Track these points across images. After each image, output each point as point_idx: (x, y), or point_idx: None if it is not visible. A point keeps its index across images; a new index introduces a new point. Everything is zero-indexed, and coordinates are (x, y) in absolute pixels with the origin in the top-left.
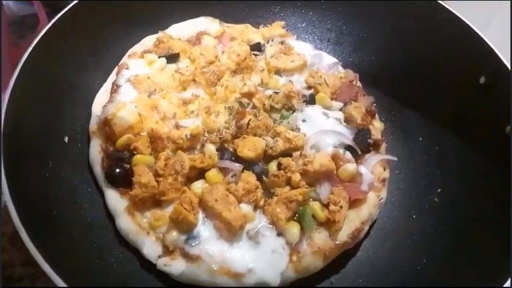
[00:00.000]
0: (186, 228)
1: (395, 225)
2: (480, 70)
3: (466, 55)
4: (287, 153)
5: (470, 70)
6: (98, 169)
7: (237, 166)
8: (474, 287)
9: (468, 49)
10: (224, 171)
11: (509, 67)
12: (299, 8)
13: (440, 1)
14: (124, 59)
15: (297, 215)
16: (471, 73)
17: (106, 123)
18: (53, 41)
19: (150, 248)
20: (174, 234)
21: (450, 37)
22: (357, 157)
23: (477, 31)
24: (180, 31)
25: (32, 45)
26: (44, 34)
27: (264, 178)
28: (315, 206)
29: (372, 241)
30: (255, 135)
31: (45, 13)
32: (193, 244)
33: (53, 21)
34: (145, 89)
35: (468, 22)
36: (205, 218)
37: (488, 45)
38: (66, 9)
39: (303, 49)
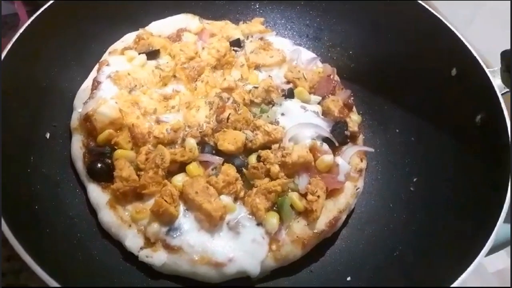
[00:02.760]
0: (167, 220)
1: (372, 214)
2: (451, 62)
3: (439, 49)
4: (266, 146)
5: (443, 63)
6: (80, 164)
7: (217, 159)
8: (445, 273)
9: (441, 42)
10: (204, 164)
11: (479, 59)
12: (278, 4)
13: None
14: (105, 56)
15: (276, 206)
16: (443, 65)
17: (87, 119)
18: (33, 38)
19: (132, 240)
20: (155, 226)
21: (424, 31)
22: (335, 149)
23: (449, 25)
24: (161, 28)
25: (11, 42)
26: (24, 31)
27: (244, 170)
28: (294, 196)
29: (350, 230)
30: (235, 128)
31: (25, 12)
32: (175, 235)
33: (32, 18)
34: (125, 85)
35: (440, 17)
36: (186, 210)
37: (460, 39)
38: (46, 6)
39: (282, 44)
